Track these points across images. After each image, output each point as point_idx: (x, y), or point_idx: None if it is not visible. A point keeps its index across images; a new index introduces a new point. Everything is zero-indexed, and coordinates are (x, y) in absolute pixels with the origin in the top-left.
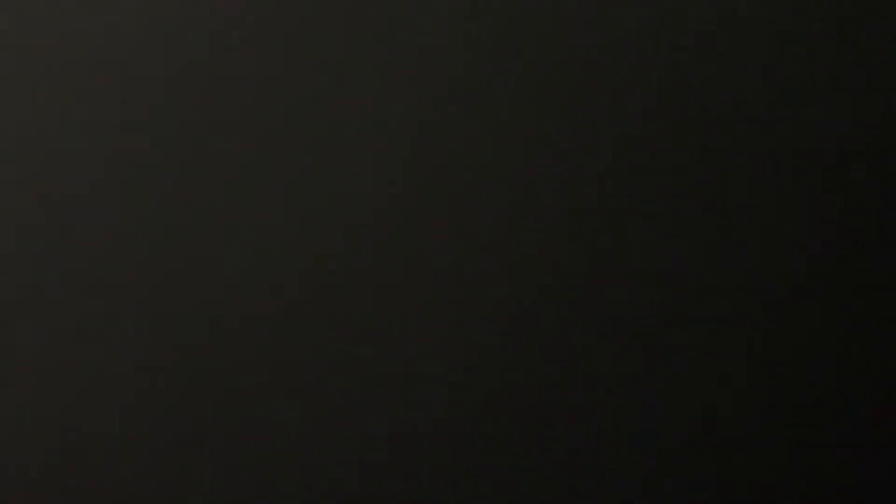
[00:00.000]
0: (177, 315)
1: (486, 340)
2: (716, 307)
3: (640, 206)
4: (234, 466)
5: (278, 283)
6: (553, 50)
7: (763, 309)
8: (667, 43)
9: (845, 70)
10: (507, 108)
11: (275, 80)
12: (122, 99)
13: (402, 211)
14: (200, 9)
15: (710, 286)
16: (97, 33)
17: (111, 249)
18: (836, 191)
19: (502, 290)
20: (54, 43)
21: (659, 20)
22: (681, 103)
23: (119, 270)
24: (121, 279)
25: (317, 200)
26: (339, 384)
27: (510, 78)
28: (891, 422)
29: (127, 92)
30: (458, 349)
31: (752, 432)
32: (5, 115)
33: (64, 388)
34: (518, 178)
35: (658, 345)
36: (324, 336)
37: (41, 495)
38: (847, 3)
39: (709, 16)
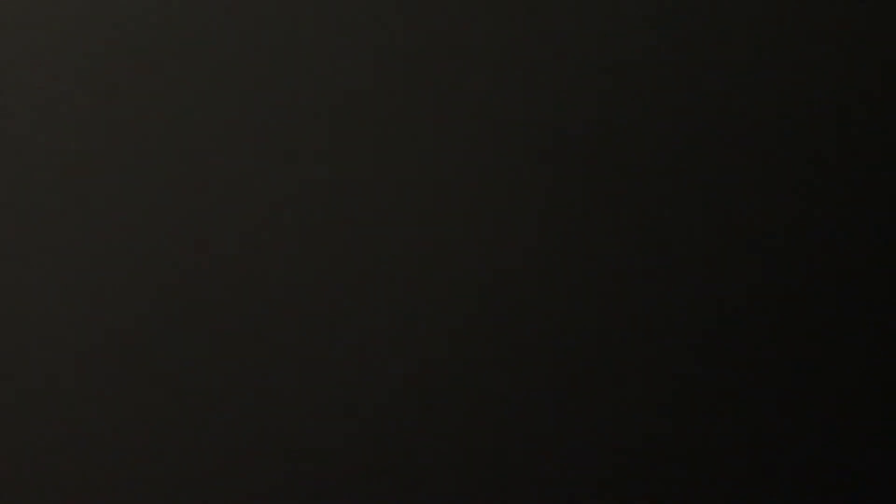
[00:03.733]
0: (172, 311)
1: (478, 337)
2: (711, 305)
3: (634, 203)
4: (231, 463)
5: (274, 281)
6: (547, 46)
7: (761, 309)
8: (660, 39)
9: (844, 68)
10: (500, 104)
11: (267, 75)
12: (111, 96)
13: (393, 206)
14: (192, 6)
15: (706, 284)
16: (92, 31)
17: (108, 247)
18: (833, 189)
19: (496, 287)
20: (48, 40)
21: (653, 17)
22: (674, 101)
23: (115, 268)
24: (116, 277)
25: (310, 197)
26: (332, 378)
27: (503, 74)
28: (891, 422)
29: (113, 88)
30: (451, 345)
31: (750, 432)
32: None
33: (61, 386)
34: (512, 174)
35: (653, 344)
36: (319, 332)
37: (41, 495)
38: (847, 3)
39: (703, 13)
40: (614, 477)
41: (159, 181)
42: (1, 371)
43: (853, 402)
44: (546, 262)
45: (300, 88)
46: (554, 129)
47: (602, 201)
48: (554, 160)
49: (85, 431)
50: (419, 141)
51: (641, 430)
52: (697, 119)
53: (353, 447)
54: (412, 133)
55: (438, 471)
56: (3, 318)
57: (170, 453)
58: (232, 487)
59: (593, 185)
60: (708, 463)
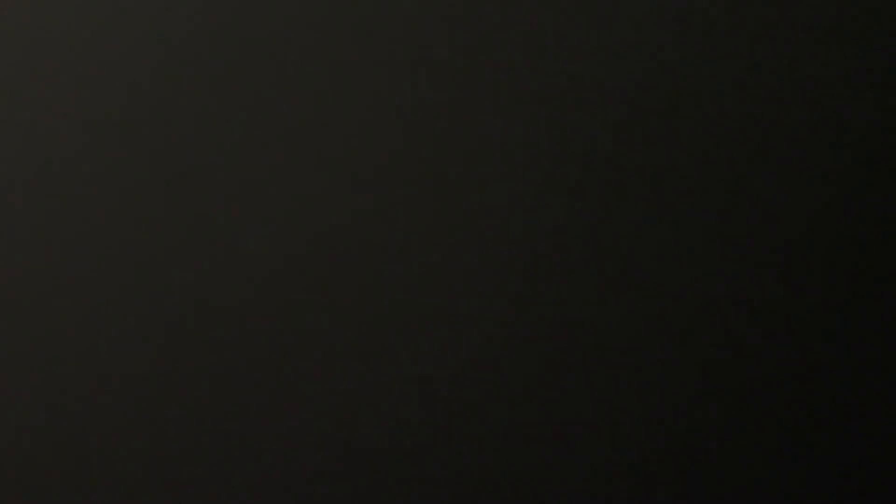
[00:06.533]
0: (171, 313)
1: (478, 340)
2: (711, 307)
3: (635, 205)
4: (230, 467)
5: (275, 283)
6: (548, 49)
7: (762, 310)
8: (661, 41)
9: (844, 69)
10: (502, 107)
11: (269, 77)
12: (113, 96)
13: (394, 210)
14: (194, 7)
15: (706, 286)
16: (93, 31)
17: (107, 248)
18: (833, 190)
19: (496, 290)
20: (50, 41)
21: (655, 18)
22: (674, 102)
23: (114, 268)
24: (116, 277)
25: (312, 200)
26: (332, 382)
27: (504, 77)
28: (891, 422)
29: (118, 89)
30: (451, 348)
31: (752, 433)
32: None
33: (60, 386)
34: (514, 177)
35: (653, 346)
36: (319, 334)
37: (40, 495)
38: (846, 3)
39: (703, 14)
40: (617, 479)
41: (165, 187)
42: (1, 372)
43: (853, 402)
44: (555, 269)
45: (302, 92)
46: (565, 133)
47: (612, 206)
48: (565, 165)
49: (86, 433)
50: (426, 144)
51: (653, 434)
52: (706, 123)
53: (356, 452)
54: (419, 136)
55: (441, 477)
56: (5, 320)
57: (170, 458)
58: (234, 492)
59: (601, 189)
60: (710, 465)
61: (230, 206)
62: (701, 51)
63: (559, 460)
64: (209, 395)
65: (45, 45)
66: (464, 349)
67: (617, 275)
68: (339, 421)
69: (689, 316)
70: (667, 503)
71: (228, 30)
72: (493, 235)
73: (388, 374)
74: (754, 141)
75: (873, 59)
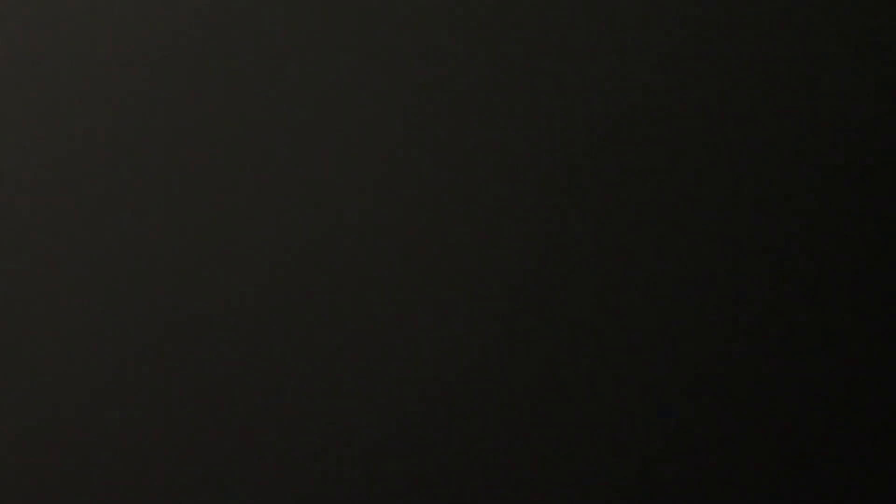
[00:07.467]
0: (171, 313)
1: (477, 340)
2: (711, 307)
3: (634, 206)
4: (230, 468)
5: (274, 283)
6: (548, 48)
7: (761, 311)
8: (662, 41)
9: (844, 69)
10: (501, 107)
11: (269, 77)
12: (115, 96)
13: (393, 210)
14: (193, 7)
15: (705, 287)
16: (92, 31)
17: (107, 248)
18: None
19: (495, 290)
20: (50, 40)
21: (655, 18)
22: (675, 102)
23: (114, 269)
24: (116, 278)
25: (311, 199)
26: (331, 382)
27: (503, 76)
28: (891, 422)
29: (119, 88)
30: (450, 348)
31: (754, 433)
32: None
33: (59, 387)
34: (513, 177)
35: (654, 346)
36: (317, 334)
37: (40, 495)
38: (847, 3)
39: (704, 14)
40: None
41: (164, 186)
42: (2, 372)
43: (853, 402)
44: (549, 272)
45: (299, 91)
46: (564, 133)
47: (611, 206)
48: (565, 164)
49: (86, 435)
50: (425, 144)
51: (646, 434)
52: (706, 122)
53: (355, 456)
54: (419, 136)
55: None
56: (6, 323)
57: (169, 459)
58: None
59: (601, 189)
60: (709, 465)
61: (230, 205)
62: (700, 51)
63: (559, 460)
64: (207, 396)
65: (45, 45)
66: (463, 349)
67: (616, 275)
68: (339, 421)
69: (688, 316)
70: (667, 503)
71: (228, 29)
72: (492, 235)
73: (388, 374)
74: (753, 141)
75: (873, 59)
